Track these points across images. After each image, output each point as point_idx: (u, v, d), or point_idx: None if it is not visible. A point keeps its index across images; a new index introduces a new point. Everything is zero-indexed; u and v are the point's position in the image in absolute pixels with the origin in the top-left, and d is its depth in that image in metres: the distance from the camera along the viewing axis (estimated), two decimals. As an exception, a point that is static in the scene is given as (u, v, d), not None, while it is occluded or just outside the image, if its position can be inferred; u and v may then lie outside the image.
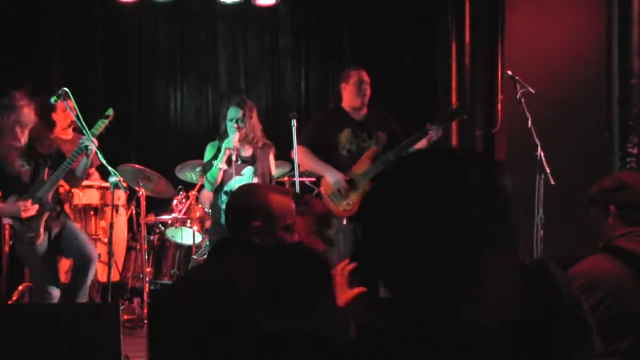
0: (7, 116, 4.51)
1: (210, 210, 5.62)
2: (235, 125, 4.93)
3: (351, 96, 5.12)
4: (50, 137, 4.78)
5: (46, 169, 4.59)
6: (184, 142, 7.18)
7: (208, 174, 5.01)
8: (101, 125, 4.65)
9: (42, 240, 4.60)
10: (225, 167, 4.94)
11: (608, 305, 2.35)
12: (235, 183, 4.91)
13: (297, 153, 5.08)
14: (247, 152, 5.07)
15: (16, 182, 4.55)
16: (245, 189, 2.82)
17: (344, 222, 4.94)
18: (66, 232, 4.72)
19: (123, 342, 3.57)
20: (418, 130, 4.99)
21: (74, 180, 4.78)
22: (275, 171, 5.26)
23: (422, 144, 4.95)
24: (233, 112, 4.99)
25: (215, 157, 5.01)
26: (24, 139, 4.57)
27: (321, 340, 1.88)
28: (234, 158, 4.91)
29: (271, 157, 5.16)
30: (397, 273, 1.16)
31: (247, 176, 5.02)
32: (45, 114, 4.80)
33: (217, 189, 5.05)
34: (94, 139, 4.57)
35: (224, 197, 4.96)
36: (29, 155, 4.57)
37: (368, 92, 5.11)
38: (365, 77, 5.12)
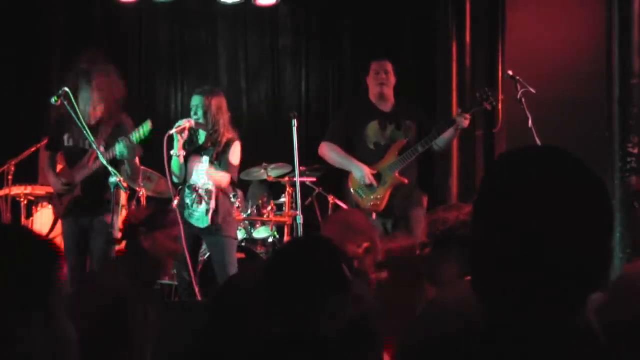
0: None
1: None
2: (191, 120, 4.79)
3: (371, 87, 5.11)
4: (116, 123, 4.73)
5: (93, 152, 4.61)
6: (184, 142, 7.17)
7: (172, 168, 4.82)
8: (139, 136, 4.63)
9: (68, 222, 4.72)
10: (182, 152, 4.78)
11: None
12: (196, 176, 4.82)
13: (322, 149, 5.06)
14: (206, 141, 4.89)
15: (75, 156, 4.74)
16: None
17: (373, 216, 4.86)
18: (95, 226, 4.70)
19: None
20: (444, 118, 4.94)
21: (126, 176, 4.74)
22: (235, 161, 4.90)
23: (449, 132, 4.90)
24: (193, 100, 4.88)
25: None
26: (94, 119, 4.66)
27: (322, 341, 1.88)
28: (181, 138, 4.75)
29: (235, 150, 4.89)
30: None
31: (203, 164, 4.83)
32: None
33: (182, 183, 4.91)
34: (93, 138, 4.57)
35: (187, 191, 4.84)
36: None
37: (386, 81, 5.05)
38: (383, 66, 5.07)
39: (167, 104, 7.47)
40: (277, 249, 2.10)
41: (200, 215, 4.82)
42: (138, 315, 3.03)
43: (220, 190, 4.86)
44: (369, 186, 4.91)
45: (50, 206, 5.50)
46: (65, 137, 4.77)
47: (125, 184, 4.82)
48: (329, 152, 5.05)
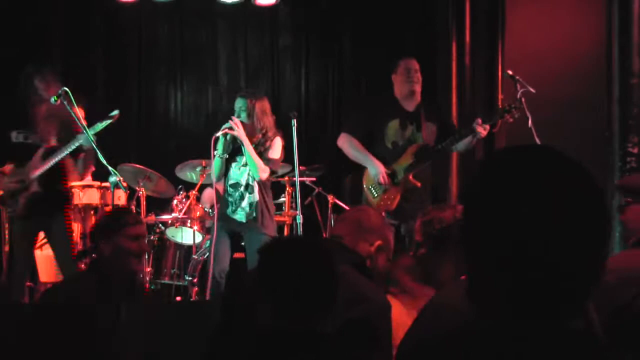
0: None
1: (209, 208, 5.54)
2: (234, 119, 4.84)
3: (400, 84, 5.07)
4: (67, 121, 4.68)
5: (42, 149, 4.61)
6: (184, 142, 7.18)
7: (214, 168, 4.89)
8: (105, 124, 4.63)
9: (23, 223, 4.65)
10: (226, 155, 4.85)
11: None
12: (238, 174, 4.88)
13: (341, 140, 5.07)
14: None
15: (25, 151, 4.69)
16: None
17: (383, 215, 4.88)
18: (57, 225, 4.65)
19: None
20: (465, 125, 4.95)
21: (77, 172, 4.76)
22: (275, 155, 4.95)
23: (467, 140, 4.93)
24: (237, 103, 4.93)
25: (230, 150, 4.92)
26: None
27: (320, 338, 1.88)
28: (226, 140, 4.80)
29: (275, 145, 4.93)
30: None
31: (240, 162, 4.90)
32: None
33: (223, 182, 4.94)
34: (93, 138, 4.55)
35: (230, 190, 4.91)
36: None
37: (418, 79, 5.06)
38: (413, 65, 5.07)
39: (167, 104, 7.46)
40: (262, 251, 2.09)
41: (243, 210, 4.87)
42: (106, 325, 3.03)
43: (260, 185, 4.90)
44: (382, 185, 4.93)
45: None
46: (14, 134, 4.71)
47: (125, 184, 4.82)
48: (348, 145, 5.05)
